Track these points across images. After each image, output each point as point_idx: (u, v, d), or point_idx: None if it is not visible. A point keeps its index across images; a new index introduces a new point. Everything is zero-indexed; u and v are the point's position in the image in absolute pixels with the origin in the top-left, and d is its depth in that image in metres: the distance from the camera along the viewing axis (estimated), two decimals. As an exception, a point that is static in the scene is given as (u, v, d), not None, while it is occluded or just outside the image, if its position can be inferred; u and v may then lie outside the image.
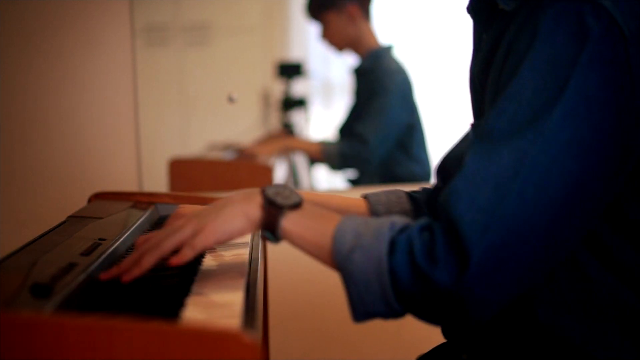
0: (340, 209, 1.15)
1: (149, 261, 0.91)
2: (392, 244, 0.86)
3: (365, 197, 1.19)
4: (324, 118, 2.39)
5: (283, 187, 0.94)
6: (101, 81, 2.04)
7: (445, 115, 2.37)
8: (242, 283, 0.93)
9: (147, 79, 2.08)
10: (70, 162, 2.04)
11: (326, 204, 1.14)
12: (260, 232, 0.97)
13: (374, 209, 1.17)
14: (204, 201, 1.40)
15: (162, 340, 0.69)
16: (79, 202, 1.38)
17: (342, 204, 1.16)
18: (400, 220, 0.89)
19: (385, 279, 0.85)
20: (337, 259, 0.87)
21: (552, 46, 0.85)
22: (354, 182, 2.31)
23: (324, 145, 2.31)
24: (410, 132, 2.30)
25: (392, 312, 0.87)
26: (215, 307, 0.84)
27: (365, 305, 0.87)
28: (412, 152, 2.30)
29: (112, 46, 2.04)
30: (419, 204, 1.19)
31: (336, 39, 2.30)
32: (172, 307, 0.84)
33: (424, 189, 1.22)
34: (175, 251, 0.92)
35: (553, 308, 0.94)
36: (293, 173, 2.37)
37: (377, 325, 1.76)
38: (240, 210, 0.93)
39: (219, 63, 2.29)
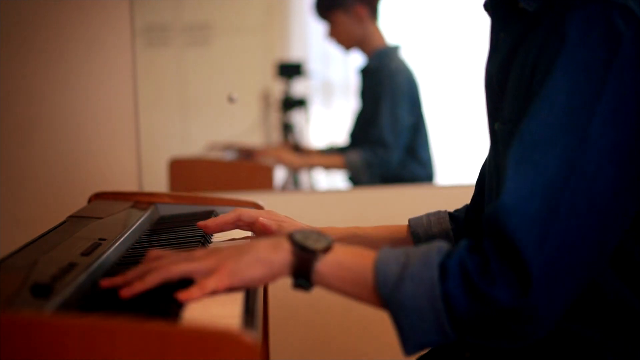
0: (382, 237, 1.15)
1: (153, 281, 0.87)
2: (443, 269, 0.83)
3: (409, 221, 1.19)
4: (324, 118, 2.39)
5: (309, 230, 0.91)
6: (101, 81, 2.04)
7: (450, 116, 2.37)
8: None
9: (147, 79, 2.08)
10: (71, 162, 2.04)
11: (368, 235, 1.15)
12: (291, 280, 0.90)
13: (414, 232, 1.17)
14: (204, 201, 1.40)
15: (162, 340, 0.69)
16: (79, 202, 1.38)
17: (384, 233, 1.17)
18: (445, 245, 0.87)
19: (439, 305, 0.82)
20: (383, 292, 0.84)
21: (583, 50, 0.85)
22: (354, 182, 2.31)
23: (346, 156, 2.29)
24: (414, 132, 2.30)
25: (445, 339, 0.84)
26: (215, 307, 0.84)
27: (418, 335, 0.84)
28: (416, 153, 2.30)
29: (112, 46, 2.04)
30: (459, 222, 1.19)
31: (343, 39, 2.31)
32: (172, 307, 0.84)
33: (466, 206, 1.21)
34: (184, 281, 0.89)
35: None
36: (293, 173, 2.38)
37: (377, 325, 1.76)
38: (264, 258, 0.88)
39: (219, 63, 2.29)
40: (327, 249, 0.88)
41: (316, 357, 2.13)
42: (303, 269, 0.87)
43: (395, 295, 0.84)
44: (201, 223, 1.15)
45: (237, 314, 0.81)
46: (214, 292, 0.87)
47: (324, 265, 0.87)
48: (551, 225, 0.82)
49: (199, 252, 0.92)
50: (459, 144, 2.38)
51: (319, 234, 0.90)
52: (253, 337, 0.69)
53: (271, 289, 1.32)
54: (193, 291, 0.86)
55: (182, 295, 0.85)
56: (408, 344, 0.85)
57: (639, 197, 0.87)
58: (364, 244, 1.06)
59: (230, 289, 0.88)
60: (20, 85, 1.99)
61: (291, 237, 0.89)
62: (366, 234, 1.17)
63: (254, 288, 0.92)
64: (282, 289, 1.18)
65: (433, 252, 0.85)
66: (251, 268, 0.88)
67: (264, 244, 0.90)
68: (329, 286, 0.88)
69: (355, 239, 1.15)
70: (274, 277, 0.89)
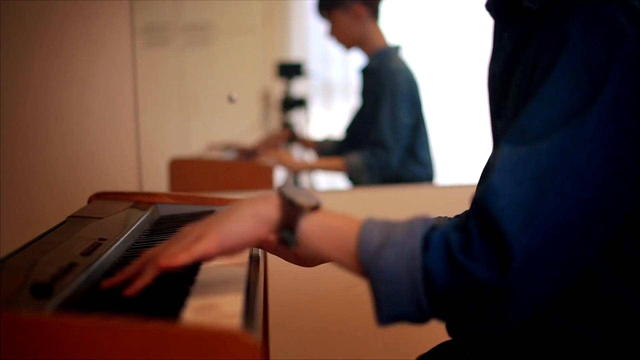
0: None
1: (151, 274, 0.87)
2: (426, 240, 0.83)
3: None
4: (324, 118, 2.39)
5: (300, 188, 0.92)
6: (101, 81, 2.04)
7: (450, 116, 2.37)
8: (242, 283, 0.93)
9: (147, 79, 2.08)
10: (70, 162, 2.04)
11: None
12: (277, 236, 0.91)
13: None
14: (204, 201, 1.40)
15: (162, 340, 0.69)
16: (79, 202, 1.38)
17: None
18: (431, 219, 0.87)
19: (418, 276, 0.82)
20: (364, 257, 0.84)
21: (586, 47, 0.85)
22: (354, 183, 2.31)
23: (346, 159, 2.29)
24: (414, 133, 2.30)
25: (420, 314, 0.84)
26: (215, 307, 0.84)
27: (393, 305, 0.83)
28: (416, 153, 2.30)
29: (112, 46, 2.04)
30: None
31: (343, 37, 2.31)
32: (172, 307, 0.84)
33: (466, 212, 1.21)
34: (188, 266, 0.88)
35: (559, 309, 0.94)
36: (293, 174, 2.38)
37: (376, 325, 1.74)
38: (252, 210, 0.88)
39: (219, 63, 2.29)
40: (314, 208, 0.88)
41: (316, 357, 2.14)
42: (289, 224, 0.87)
43: (375, 262, 0.83)
44: None
45: (237, 314, 0.81)
46: (206, 256, 0.87)
47: (309, 223, 0.87)
48: (538, 211, 0.82)
49: (185, 228, 0.91)
50: (459, 144, 2.38)
51: (309, 193, 0.90)
52: (253, 337, 0.69)
53: (271, 289, 1.32)
54: (179, 256, 0.85)
55: (165, 260, 0.85)
56: (382, 313, 0.84)
57: (634, 194, 0.87)
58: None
59: (223, 250, 0.87)
60: (20, 86, 1.99)
61: (281, 192, 0.89)
62: None
63: (246, 246, 0.90)
64: (282, 289, 1.19)
65: (418, 224, 0.86)
66: (239, 223, 0.88)
67: (252, 199, 0.90)
68: (313, 247, 0.87)
69: None
70: (262, 229, 0.88)
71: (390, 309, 0.84)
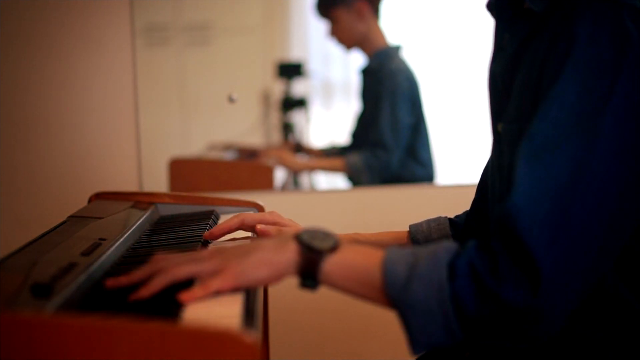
0: (382, 242, 1.15)
1: (159, 284, 0.87)
2: (452, 269, 0.83)
3: (409, 227, 1.19)
4: (324, 118, 2.39)
5: (316, 229, 0.90)
6: (101, 81, 2.04)
7: (450, 116, 2.37)
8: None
9: (147, 79, 2.08)
10: (71, 162, 2.04)
11: (368, 241, 1.14)
12: (298, 280, 0.89)
13: (414, 237, 1.17)
14: (204, 201, 1.40)
15: (162, 340, 0.69)
16: (79, 202, 1.38)
17: (385, 238, 1.17)
18: (453, 245, 0.87)
19: (448, 306, 0.82)
20: (392, 292, 0.84)
21: (593, 50, 0.85)
22: (354, 183, 2.31)
23: (346, 160, 2.29)
24: (414, 133, 2.30)
25: (453, 340, 0.84)
26: (215, 307, 0.84)
27: (426, 336, 0.84)
28: (417, 153, 2.30)
29: (112, 46, 2.04)
30: (459, 228, 1.19)
31: (345, 37, 2.30)
32: (172, 307, 0.84)
33: (466, 212, 1.21)
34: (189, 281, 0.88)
35: None
36: (294, 174, 2.38)
37: (376, 325, 1.76)
38: (270, 259, 0.88)
39: (219, 63, 2.29)
40: (333, 249, 0.87)
41: (316, 357, 2.13)
42: (310, 269, 0.87)
43: (404, 296, 0.83)
44: (206, 233, 1.16)
45: (237, 314, 0.81)
46: (218, 293, 0.86)
47: (330, 264, 0.87)
48: (562, 226, 0.82)
49: (204, 252, 0.91)
50: (459, 144, 2.38)
51: (325, 233, 0.90)
52: (253, 337, 0.69)
53: (271, 289, 1.32)
54: (196, 291, 0.85)
55: (184, 295, 0.84)
56: (416, 344, 0.85)
57: None
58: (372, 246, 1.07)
59: (235, 290, 0.87)
60: (20, 85, 1.99)
61: (298, 237, 0.88)
62: (366, 241, 1.17)
63: (258, 288, 0.91)
64: (282, 289, 1.18)
65: (441, 252, 0.85)
66: (256, 269, 0.87)
67: (270, 244, 0.89)
68: (336, 286, 0.88)
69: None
70: (279, 277, 0.88)
71: (424, 340, 0.84)
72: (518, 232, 0.82)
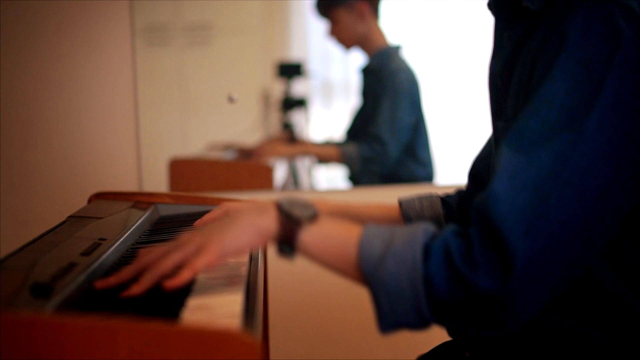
0: (374, 216, 1.15)
1: (148, 281, 0.87)
2: (427, 250, 0.84)
3: (400, 202, 1.19)
4: (324, 118, 2.39)
5: (296, 199, 0.91)
6: (101, 81, 2.04)
7: (450, 116, 2.37)
8: (242, 283, 0.93)
9: (147, 79, 2.08)
10: (70, 162, 2.04)
11: (358, 212, 1.14)
12: (276, 247, 0.91)
13: (406, 214, 1.18)
14: (204, 201, 1.40)
15: (162, 340, 0.69)
16: (79, 202, 1.38)
17: (376, 212, 1.16)
18: (431, 227, 0.87)
19: (420, 286, 0.82)
20: (365, 268, 0.84)
21: (584, 48, 0.85)
22: (355, 182, 2.31)
23: (342, 148, 2.29)
24: (414, 132, 2.30)
25: (422, 322, 0.85)
26: (215, 307, 0.84)
27: (395, 315, 0.84)
28: (416, 152, 2.30)
29: (112, 46, 2.04)
30: (451, 208, 1.19)
31: (345, 37, 2.30)
32: (172, 307, 0.84)
33: (458, 192, 1.21)
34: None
35: (559, 308, 0.94)
36: (293, 173, 2.37)
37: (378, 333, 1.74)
38: (250, 224, 0.89)
39: (219, 63, 2.29)
40: (312, 219, 0.88)
41: (316, 357, 2.14)
42: (287, 237, 0.88)
43: (377, 272, 0.84)
44: (196, 223, 1.17)
45: (237, 314, 0.81)
46: (206, 268, 0.88)
47: (308, 234, 0.88)
48: (539, 217, 0.82)
49: (184, 237, 0.92)
50: (459, 144, 2.38)
51: (305, 203, 0.91)
52: (253, 337, 0.69)
53: (271, 289, 1.32)
54: (183, 274, 0.86)
55: (169, 282, 0.85)
56: (384, 322, 0.85)
57: (633, 196, 0.87)
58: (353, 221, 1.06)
59: (222, 259, 0.89)
60: (20, 85, 1.99)
61: (278, 205, 0.90)
62: (357, 212, 1.17)
63: (243, 254, 0.92)
64: (282, 289, 1.19)
65: (418, 233, 0.86)
66: (238, 236, 0.89)
67: (250, 211, 0.91)
68: (312, 256, 0.88)
69: (345, 215, 1.15)
70: (261, 242, 0.89)
71: (392, 318, 0.84)
72: (494, 220, 0.82)
